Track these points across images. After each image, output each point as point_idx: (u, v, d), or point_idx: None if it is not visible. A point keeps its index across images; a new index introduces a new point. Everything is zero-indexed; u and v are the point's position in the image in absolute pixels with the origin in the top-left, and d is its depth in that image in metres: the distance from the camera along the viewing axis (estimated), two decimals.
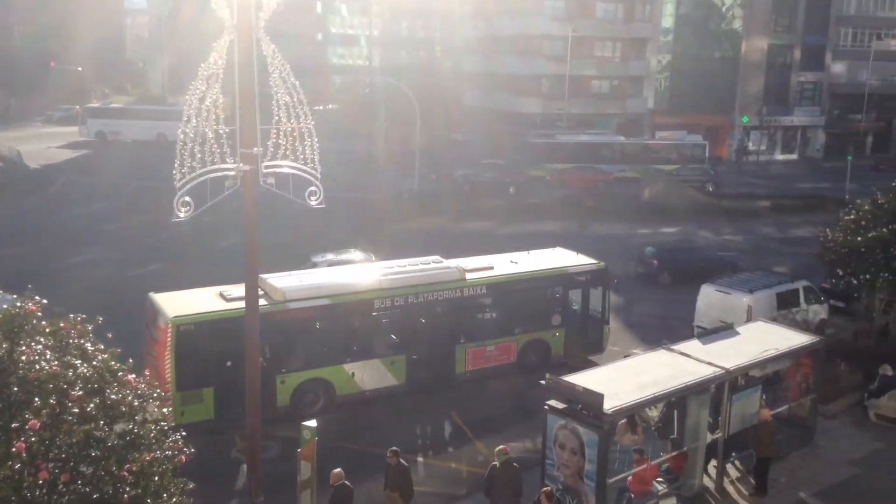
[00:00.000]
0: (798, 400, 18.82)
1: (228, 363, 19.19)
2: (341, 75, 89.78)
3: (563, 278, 24.00)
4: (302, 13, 79.25)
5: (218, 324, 19.07)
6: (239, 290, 19.83)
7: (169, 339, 18.61)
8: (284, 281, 20.75)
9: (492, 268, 23.39)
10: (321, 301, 20.56)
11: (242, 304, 19.25)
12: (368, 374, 21.24)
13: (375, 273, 21.98)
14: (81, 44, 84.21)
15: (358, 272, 22.44)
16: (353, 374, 21.05)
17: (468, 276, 22.54)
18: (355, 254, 29.82)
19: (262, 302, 19.87)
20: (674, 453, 16.47)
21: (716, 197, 52.51)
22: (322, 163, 13.93)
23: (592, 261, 24.78)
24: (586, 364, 21.12)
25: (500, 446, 15.49)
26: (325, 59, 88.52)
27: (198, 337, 18.83)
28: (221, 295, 19.90)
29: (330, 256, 29.02)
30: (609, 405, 14.35)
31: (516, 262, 24.06)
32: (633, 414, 15.28)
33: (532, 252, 25.16)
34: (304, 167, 13.78)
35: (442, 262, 23.12)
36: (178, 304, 19.49)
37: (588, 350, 24.12)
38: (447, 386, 22.23)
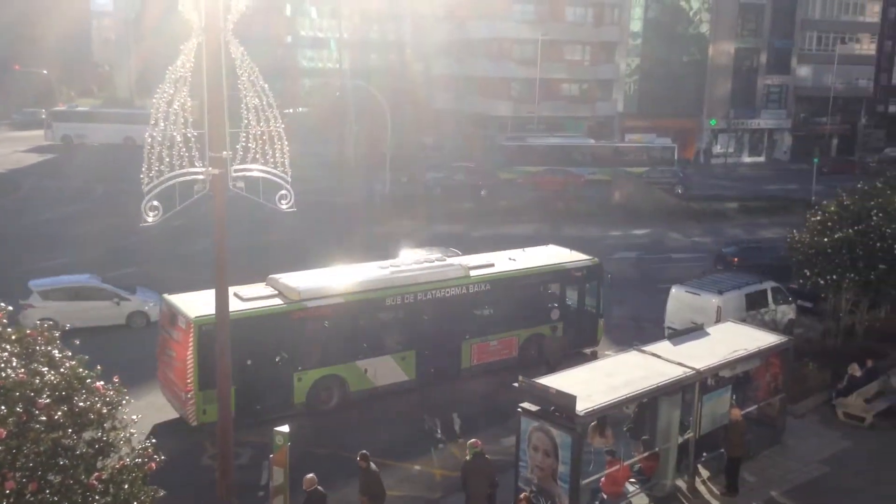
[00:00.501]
0: (767, 399, 19.01)
1: (249, 362, 19.39)
2: (311, 78, 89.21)
3: (561, 274, 24.41)
4: (271, 16, 78.66)
5: (238, 323, 18.82)
6: (253, 290, 20.32)
7: (191, 339, 18.59)
8: (299, 280, 20.83)
9: (493, 265, 23.70)
10: (336, 299, 20.71)
11: (260, 304, 19.81)
12: (381, 370, 21.48)
13: (386, 271, 22.10)
14: (46, 46, 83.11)
15: (369, 270, 22.42)
16: (365, 370, 21.24)
17: (472, 273, 22.83)
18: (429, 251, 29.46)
19: (278, 301, 20.26)
20: (646, 454, 16.57)
21: (685, 199, 52.97)
22: (292, 166, 13.84)
23: (587, 257, 25.22)
24: (576, 358, 21.24)
25: (471, 440, 15.60)
26: (295, 61, 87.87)
27: None
28: (237, 295, 19.75)
29: (417, 252, 28.79)
30: (582, 407, 14.41)
31: (515, 260, 24.38)
32: (604, 416, 15.36)
33: (527, 249, 25.57)
34: (274, 171, 13.70)
35: (445, 259, 23.38)
36: (196, 304, 19.41)
37: (585, 343, 24.62)
38: (454, 380, 22.53)
